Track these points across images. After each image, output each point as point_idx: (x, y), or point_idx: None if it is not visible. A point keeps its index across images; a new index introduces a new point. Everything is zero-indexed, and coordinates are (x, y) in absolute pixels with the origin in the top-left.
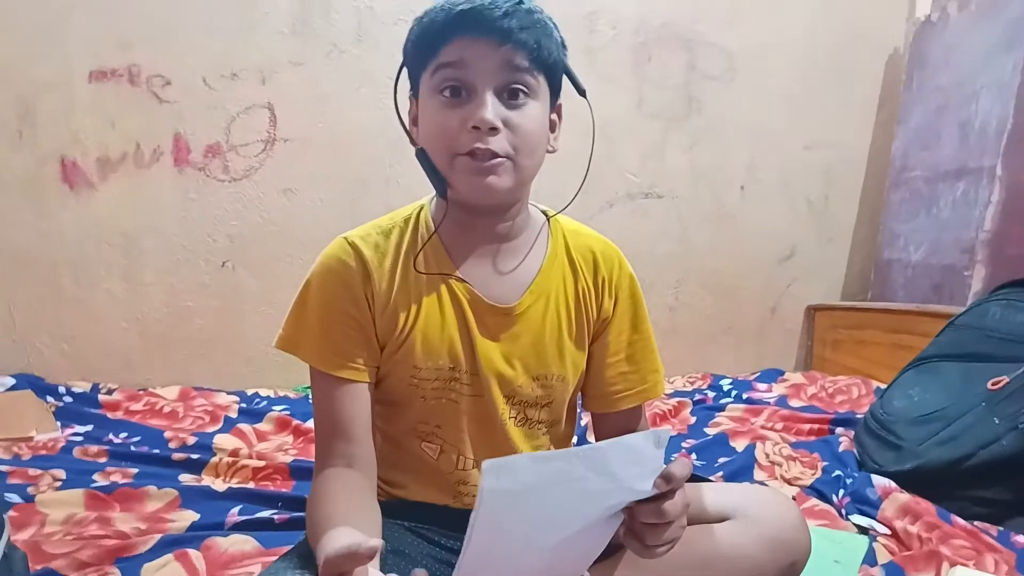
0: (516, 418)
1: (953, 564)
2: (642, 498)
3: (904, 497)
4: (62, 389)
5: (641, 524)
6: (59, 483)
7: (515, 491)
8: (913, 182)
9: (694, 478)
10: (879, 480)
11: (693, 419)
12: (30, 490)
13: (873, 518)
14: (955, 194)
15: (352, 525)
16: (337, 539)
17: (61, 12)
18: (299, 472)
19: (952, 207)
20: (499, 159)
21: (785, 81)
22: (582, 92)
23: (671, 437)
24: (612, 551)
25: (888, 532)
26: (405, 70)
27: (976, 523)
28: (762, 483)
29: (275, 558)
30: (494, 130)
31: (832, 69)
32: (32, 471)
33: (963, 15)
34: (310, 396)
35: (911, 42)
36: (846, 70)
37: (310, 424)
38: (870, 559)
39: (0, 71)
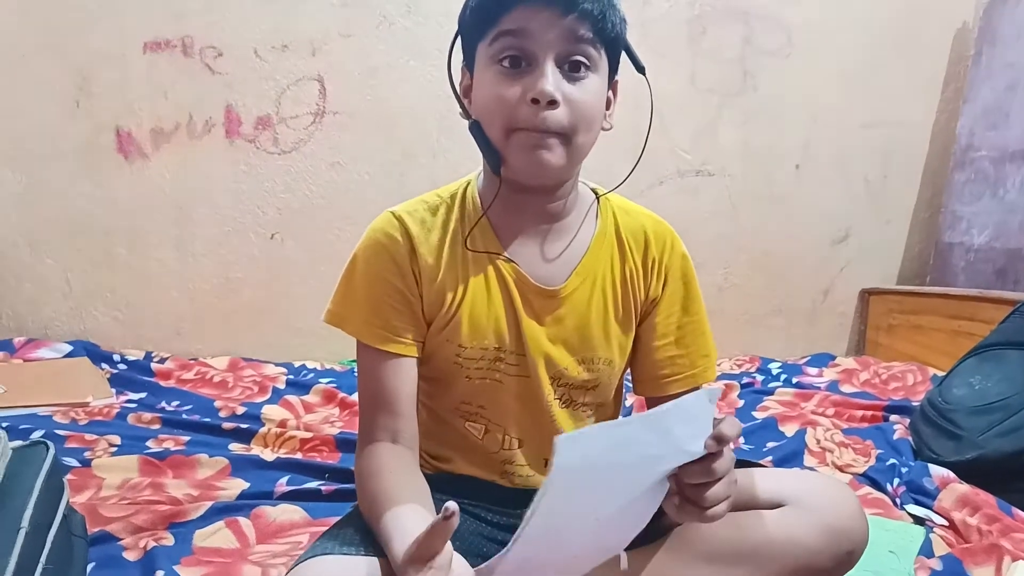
0: (561, 399)
1: (1015, 558)
2: (692, 460)
3: (963, 488)
4: (116, 357)
5: (691, 487)
6: (114, 448)
7: (584, 465)
8: (978, 162)
9: (745, 463)
10: (936, 470)
11: (741, 403)
12: (87, 454)
13: (930, 508)
14: (1023, 175)
15: (412, 501)
16: (413, 531)
17: None
18: (345, 444)
19: (1019, 189)
20: (554, 136)
21: (844, 56)
22: (641, 69)
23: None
24: (655, 536)
25: (946, 523)
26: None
27: None
28: (813, 469)
29: (322, 528)
30: (553, 103)
31: (894, 44)
32: (88, 436)
33: None
34: (355, 370)
35: (981, 16)
36: (909, 45)
37: (355, 397)
38: (927, 550)
39: (58, 41)
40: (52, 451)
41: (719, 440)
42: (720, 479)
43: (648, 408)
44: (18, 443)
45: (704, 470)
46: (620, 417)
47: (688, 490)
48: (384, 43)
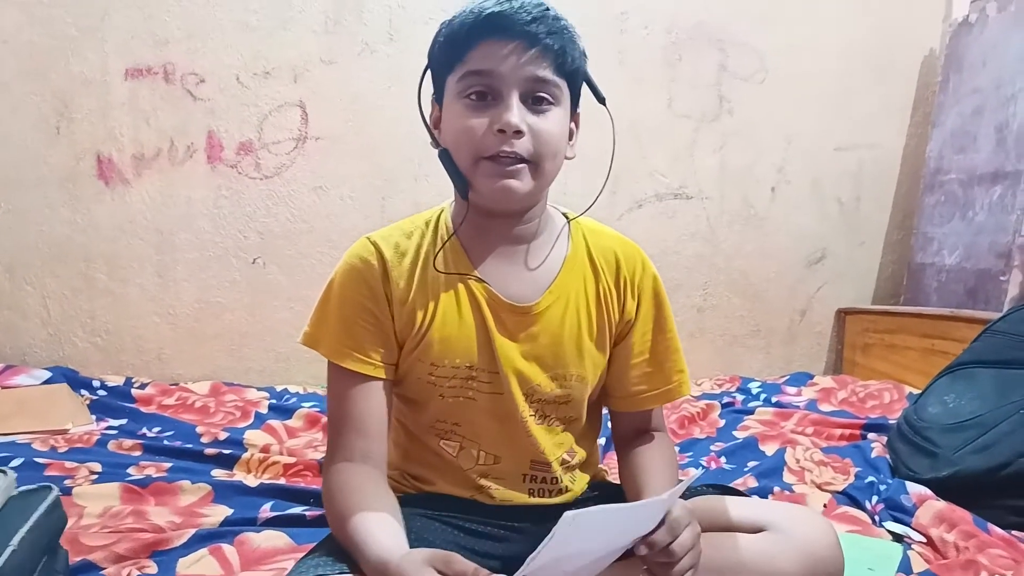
0: (535, 415)
1: (992, 574)
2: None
3: (939, 505)
4: (96, 383)
5: (656, 563)
6: (95, 476)
7: (580, 534)
8: (948, 185)
9: (726, 490)
10: (914, 487)
11: (722, 422)
12: (67, 482)
13: (908, 525)
14: (991, 198)
15: (380, 511)
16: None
17: (99, 10)
18: None
19: (988, 211)
20: (521, 164)
21: (817, 82)
22: (602, 100)
23: (699, 441)
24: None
25: (923, 540)
26: (429, 74)
27: (1013, 532)
28: (791, 487)
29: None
30: (519, 133)
31: (865, 70)
32: (68, 464)
33: (1003, 16)
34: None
35: (947, 43)
36: (880, 71)
37: None
38: (905, 567)
39: (39, 67)
40: (56, 493)
41: (671, 529)
42: (682, 557)
43: (613, 421)
44: (25, 487)
45: (665, 552)
46: (601, 427)
47: (653, 565)
48: (366, 70)
